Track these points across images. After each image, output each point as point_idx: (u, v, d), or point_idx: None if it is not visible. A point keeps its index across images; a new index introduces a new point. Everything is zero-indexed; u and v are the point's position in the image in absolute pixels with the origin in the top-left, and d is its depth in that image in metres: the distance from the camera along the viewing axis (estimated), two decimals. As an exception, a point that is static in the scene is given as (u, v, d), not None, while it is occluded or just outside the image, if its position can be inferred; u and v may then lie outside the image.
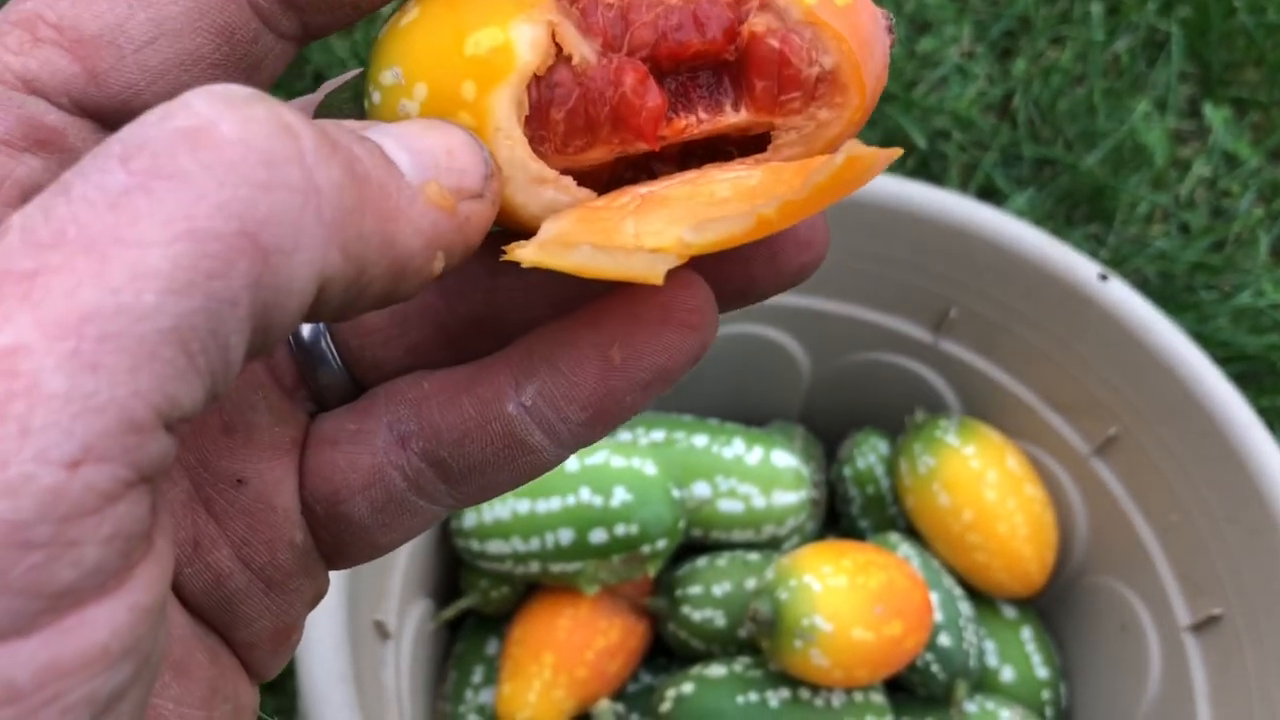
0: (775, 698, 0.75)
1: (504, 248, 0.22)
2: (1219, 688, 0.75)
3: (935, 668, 0.79)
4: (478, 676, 0.82)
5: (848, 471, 0.92)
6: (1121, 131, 1.21)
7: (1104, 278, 0.80)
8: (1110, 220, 1.18)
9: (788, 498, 0.84)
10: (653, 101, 0.24)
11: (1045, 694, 0.84)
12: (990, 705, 0.81)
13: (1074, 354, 0.83)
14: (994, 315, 0.86)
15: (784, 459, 0.85)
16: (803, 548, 0.78)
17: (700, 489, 0.82)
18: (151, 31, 0.22)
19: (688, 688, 0.76)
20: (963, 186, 1.18)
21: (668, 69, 0.25)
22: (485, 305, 0.26)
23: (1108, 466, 0.85)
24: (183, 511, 0.24)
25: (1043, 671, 0.85)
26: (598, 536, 0.76)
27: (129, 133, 0.18)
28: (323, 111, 0.26)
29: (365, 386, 0.27)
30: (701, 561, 0.84)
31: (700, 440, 0.84)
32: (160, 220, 0.17)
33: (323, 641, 0.62)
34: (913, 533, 0.90)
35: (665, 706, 0.76)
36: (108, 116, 0.23)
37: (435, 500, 0.26)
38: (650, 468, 0.78)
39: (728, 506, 0.83)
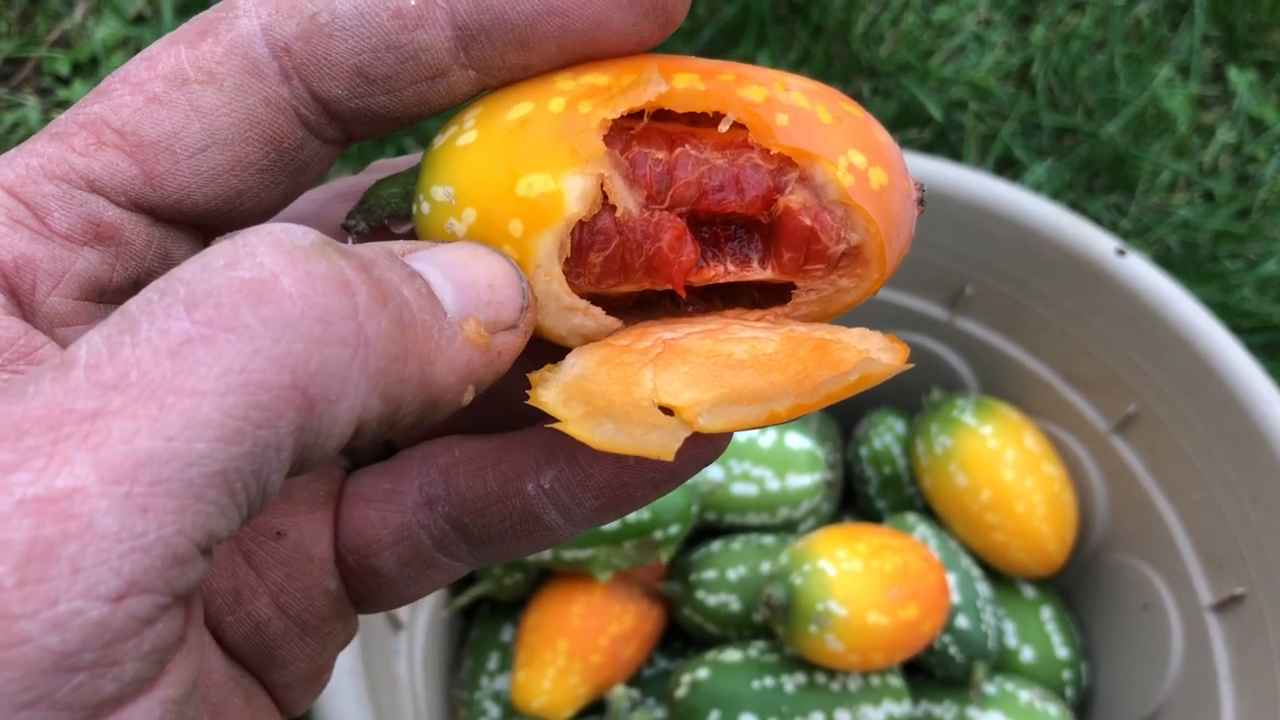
0: (791, 682, 0.74)
1: (530, 376, 0.24)
2: (1241, 667, 0.74)
3: (953, 650, 0.78)
4: (493, 663, 0.82)
5: (864, 451, 0.92)
6: (1143, 98, 1.19)
7: (1122, 253, 0.78)
8: (1132, 189, 1.16)
9: (802, 480, 0.83)
10: (686, 257, 0.25)
11: (1066, 674, 0.84)
12: (1010, 686, 0.80)
13: (1092, 330, 0.82)
14: (1011, 292, 0.84)
15: (798, 441, 0.84)
16: (817, 531, 0.77)
17: (713, 472, 0.82)
18: (205, 140, 0.24)
19: (703, 673, 0.75)
20: (981, 158, 1.16)
21: (704, 219, 0.26)
22: (498, 380, 0.28)
23: (1127, 444, 0.83)
24: (224, 564, 0.26)
25: (1063, 651, 0.84)
26: (610, 523, 0.75)
27: (195, 276, 0.19)
28: (371, 200, 0.27)
29: (393, 443, 0.28)
30: (716, 545, 0.83)
31: (713, 423, 0.83)
32: (217, 372, 0.18)
33: (332, 635, 0.62)
34: (930, 513, 0.89)
35: (681, 692, 0.75)
36: (161, 214, 0.24)
37: (458, 558, 0.27)
38: (662, 453, 0.77)
39: (742, 490, 0.82)
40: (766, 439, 0.83)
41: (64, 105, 1.15)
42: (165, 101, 0.24)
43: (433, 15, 0.24)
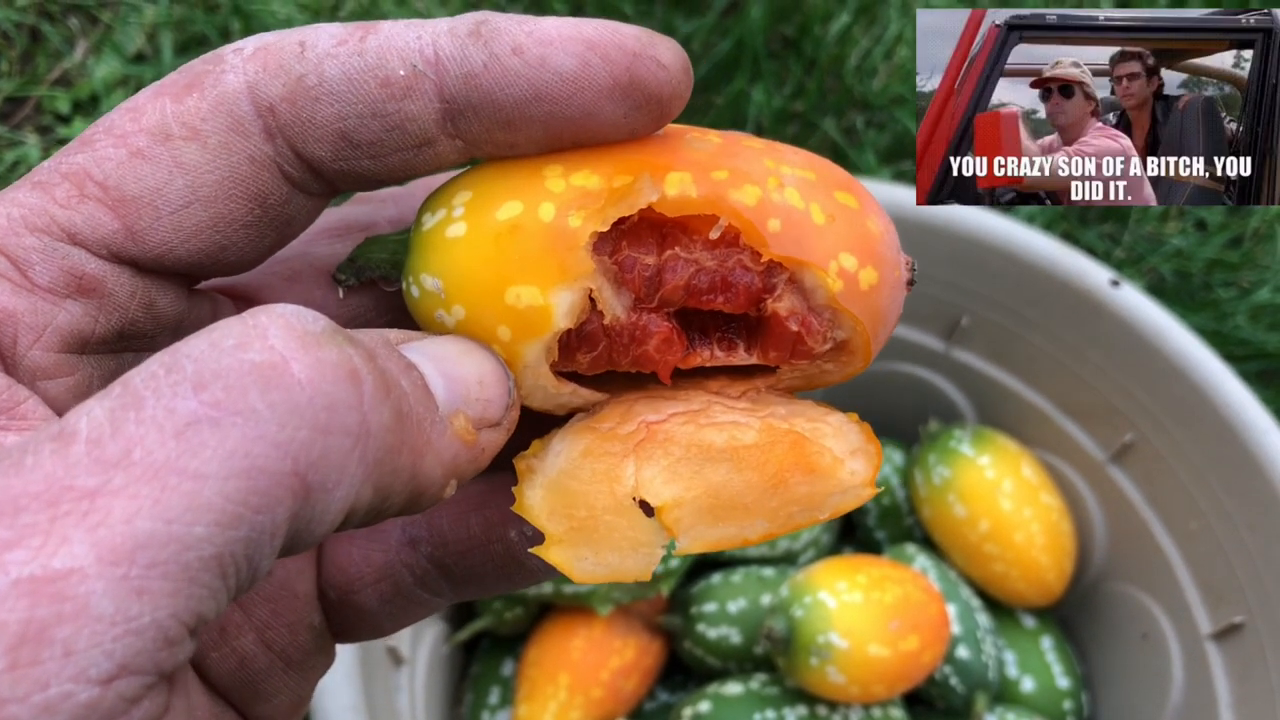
0: (792, 714, 0.74)
1: (515, 462, 0.25)
2: (1242, 696, 0.74)
3: (954, 680, 0.78)
4: (494, 698, 0.82)
5: (862, 482, 0.92)
6: (1134, 129, 1.20)
7: (1116, 284, 0.79)
8: (1124, 219, 1.17)
9: (801, 512, 0.83)
10: (673, 356, 0.25)
11: (1067, 704, 0.84)
12: (1011, 717, 0.80)
13: (1088, 361, 0.82)
14: (1006, 323, 0.85)
15: (797, 472, 0.84)
16: (817, 564, 0.78)
17: (713, 505, 0.82)
18: (187, 197, 0.24)
19: (704, 706, 0.75)
20: (974, 189, 1.17)
21: (691, 308, 0.26)
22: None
23: (1125, 473, 0.84)
24: None
25: (1064, 681, 0.84)
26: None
27: (203, 354, 0.19)
28: (360, 260, 0.27)
29: None
30: (716, 578, 0.83)
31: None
32: (221, 455, 0.18)
33: (334, 673, 0.62)
34: (929, 543, 0.89)
35: (682, 725, 0.75)
36: (144, 266, 0.24)
37: (438, 594, 0.28)
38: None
39: (741, 522, 0.82)
40: (765, 471, 0.83)
41: (64, 143, 1.15)
42: (148, 156, 0.23)
43: (421, 87, 0.24)
